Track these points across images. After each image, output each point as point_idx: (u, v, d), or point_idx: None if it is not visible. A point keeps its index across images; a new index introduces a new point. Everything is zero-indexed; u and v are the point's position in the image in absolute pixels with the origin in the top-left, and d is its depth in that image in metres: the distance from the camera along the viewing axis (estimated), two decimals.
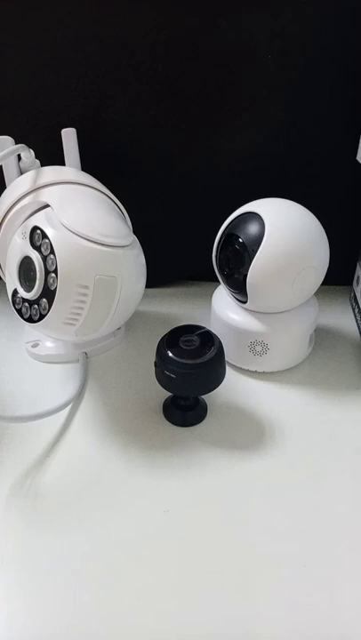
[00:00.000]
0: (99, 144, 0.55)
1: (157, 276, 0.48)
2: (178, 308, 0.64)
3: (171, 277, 0.67)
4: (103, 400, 0.52)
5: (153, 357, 0.47)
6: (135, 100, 0.54)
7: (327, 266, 0.50)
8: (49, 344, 0.56)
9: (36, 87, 0.54)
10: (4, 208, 0.47)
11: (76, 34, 0.51)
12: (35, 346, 0.56)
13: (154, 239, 0.51)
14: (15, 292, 0.46)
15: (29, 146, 0.51)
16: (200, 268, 0.65)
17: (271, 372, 0.54)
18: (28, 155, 0.50)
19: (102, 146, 0.56)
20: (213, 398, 0.51)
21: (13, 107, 0.55)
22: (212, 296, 0.57)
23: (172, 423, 0.49)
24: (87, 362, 0.56)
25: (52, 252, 0.41)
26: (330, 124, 0.56)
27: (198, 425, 0.49)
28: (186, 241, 0.64)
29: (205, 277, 0.66)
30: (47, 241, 0.42)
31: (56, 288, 0.41)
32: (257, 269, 0.47)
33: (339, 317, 0.63)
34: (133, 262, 0.45)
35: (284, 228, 0.47)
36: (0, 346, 0.59)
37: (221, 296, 0.55)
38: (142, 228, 0.54)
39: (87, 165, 0.54)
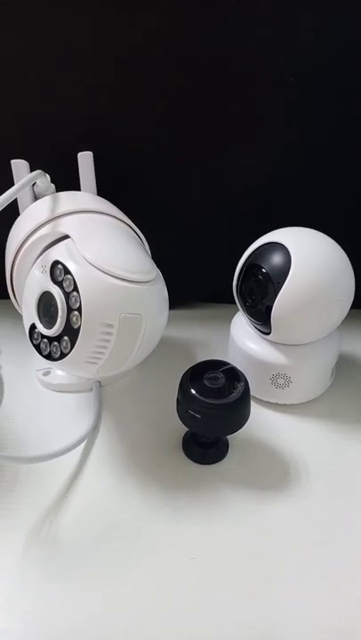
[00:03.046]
0: (111, 165, 0.53)
1: (172, 298, 0.46)
2: (193, 331, 0.62)
3: (186, 299, 0.66)
4: (119, 433, 0.50)
5: (167, 384, 0.45)
6: (151, 121, 0.53)
7: (353, 297, 0.49)
8: (60, 372, 0.54)
9: (48, 106, 0.52)
10: (21, 237, 0.45)
11: (88, 53, 0.49)
12: (46, 374, 0.54)
13: (168, 260, 0.50)
14: (33, 327, 0.44)
15: (40, 167, 0.49)
16: (215, 291, 0.63)
17: (292, 405, 0.52)
18: (43, 180, 0.48)
19: (114, 167, 0.54)
20: (234, 433, 0.49)
21: (25, 126, 0.53)
22: (228, 321, 0.55)
23: (192, 460, 0.47)
24: (101, 391, 0.54)
25: (76, 289, 0.39)
26: (343, 144, 0.54)
27: (220, 462, 0.47)
28: (201, 263, 0.62)
29: (220, 300, 0.65)
30: (70, 277, 0.40)
31: (80, 327, 0.39)
32: (283, 302, 0.46)
33: (355, 343, 0.61)
34: (157, 297, 0.43)
35: (312, 260, 0.46)
36: (9, 373, 0.56)
37: (240, 324, 0.54)
38: (156, 249, 0.52)
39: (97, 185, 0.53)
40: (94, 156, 0.51)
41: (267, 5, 0.47)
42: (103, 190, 0.52)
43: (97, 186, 0.52)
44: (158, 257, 0.48)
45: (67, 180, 0.51)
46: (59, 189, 0.51)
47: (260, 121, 0.53)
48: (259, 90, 0.51)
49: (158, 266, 0.46)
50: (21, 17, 0.47)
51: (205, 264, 0.61)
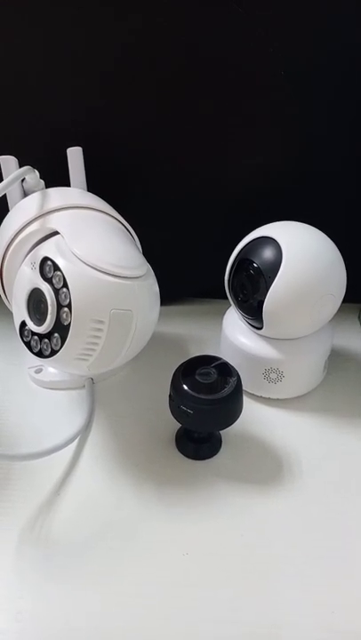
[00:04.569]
0: (102, 162, 0.53)
1: (164, 294, 0.46)
2: (185, 327, 0.62)
3: (178, 295, 0.66)
4: (112, 430, 0.50)
5: (160, 380, 0.45)
6: (143, 117, 0.52)
7: (344, 291, 0.49)
8: (52, 370, 0.54)
9: (38, 102, 0.51)
10: (11, 234, 0.45)
11: (81, 48, 0.48)
12: (38, 371, 0.54)
13: (160, 256, 0.49)
14: (23, 324, 0.43)
15: (29, 163, 0.48)
16: (208, 286, 0.63)
17: (284, 399, 0.52)
18: (32, 176, 0.47)
19: (105, 163, 0.54)
20: (227, 428, 0.49)
21: (14, 122, 0.52)
22: (220, 316, 0.55)
23: (186, 456, 0.47)
24: (93, 388, 0.54)
25: (65, 285, 0.39)
26: (343, 144, 0.54)
27: (213, 458, 0.47)
28: (194, 258, 0.62)
29: (212, 295, 0.64)
30: (59, 273, 0.39)
31: (70, 323, 0.39)
32: (275, 297, 0.46)
33: (348, 337, 0.61)
34: (148, 293, 0.43)
35: (303, 254, 0.46)
36: (0, 371, 0.56)
37: (233, 319, 0.53)
38: (148, 245, 0.52)
39: (88, 181, 0.52)
40: (94, 156, 0.51)
41: (267, 5, 0.46)
42: (102, 189, 0.52)
43: (96, 185, 0.52)
44: (155, 254, 0.48)
45: (56, 176, 0.50)
46: (48, 185, 0.50)
47: (260, 120, 0.53)
48: (259, 90, 0.51)
49: (153, 262, 0.45)
50: (21, 17, 0.47)
51: (203, 262, 0.61)
